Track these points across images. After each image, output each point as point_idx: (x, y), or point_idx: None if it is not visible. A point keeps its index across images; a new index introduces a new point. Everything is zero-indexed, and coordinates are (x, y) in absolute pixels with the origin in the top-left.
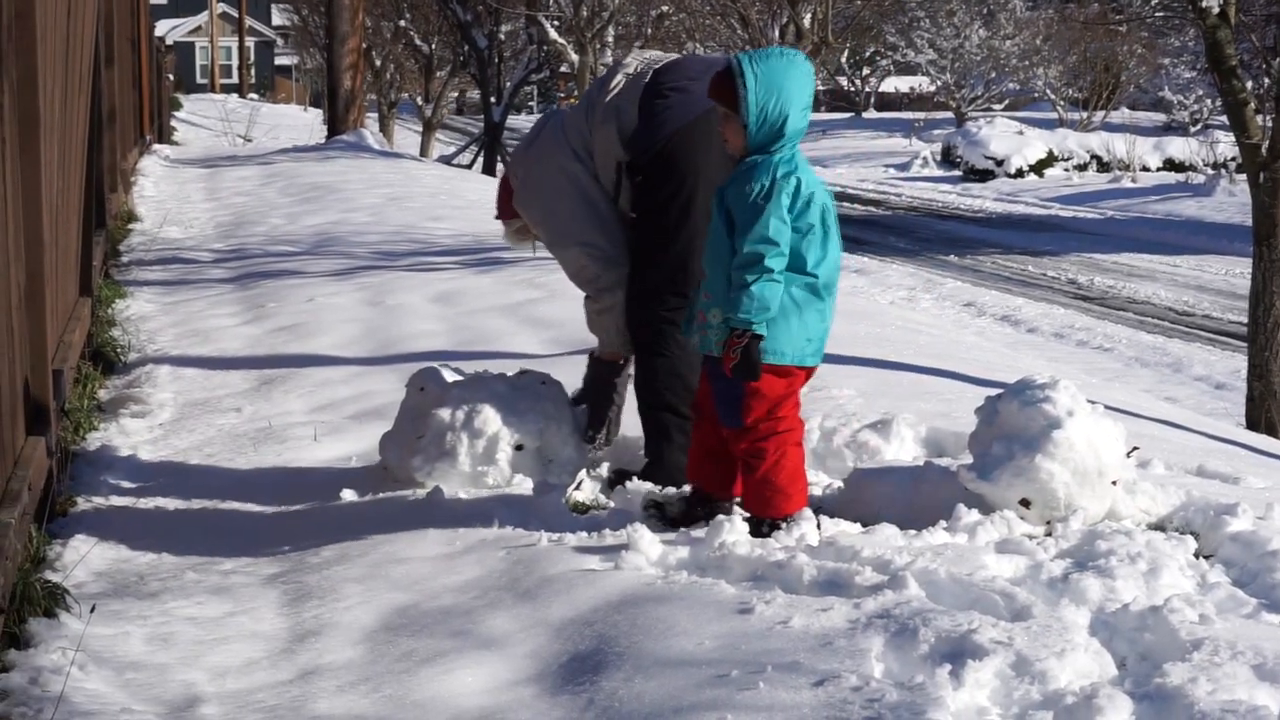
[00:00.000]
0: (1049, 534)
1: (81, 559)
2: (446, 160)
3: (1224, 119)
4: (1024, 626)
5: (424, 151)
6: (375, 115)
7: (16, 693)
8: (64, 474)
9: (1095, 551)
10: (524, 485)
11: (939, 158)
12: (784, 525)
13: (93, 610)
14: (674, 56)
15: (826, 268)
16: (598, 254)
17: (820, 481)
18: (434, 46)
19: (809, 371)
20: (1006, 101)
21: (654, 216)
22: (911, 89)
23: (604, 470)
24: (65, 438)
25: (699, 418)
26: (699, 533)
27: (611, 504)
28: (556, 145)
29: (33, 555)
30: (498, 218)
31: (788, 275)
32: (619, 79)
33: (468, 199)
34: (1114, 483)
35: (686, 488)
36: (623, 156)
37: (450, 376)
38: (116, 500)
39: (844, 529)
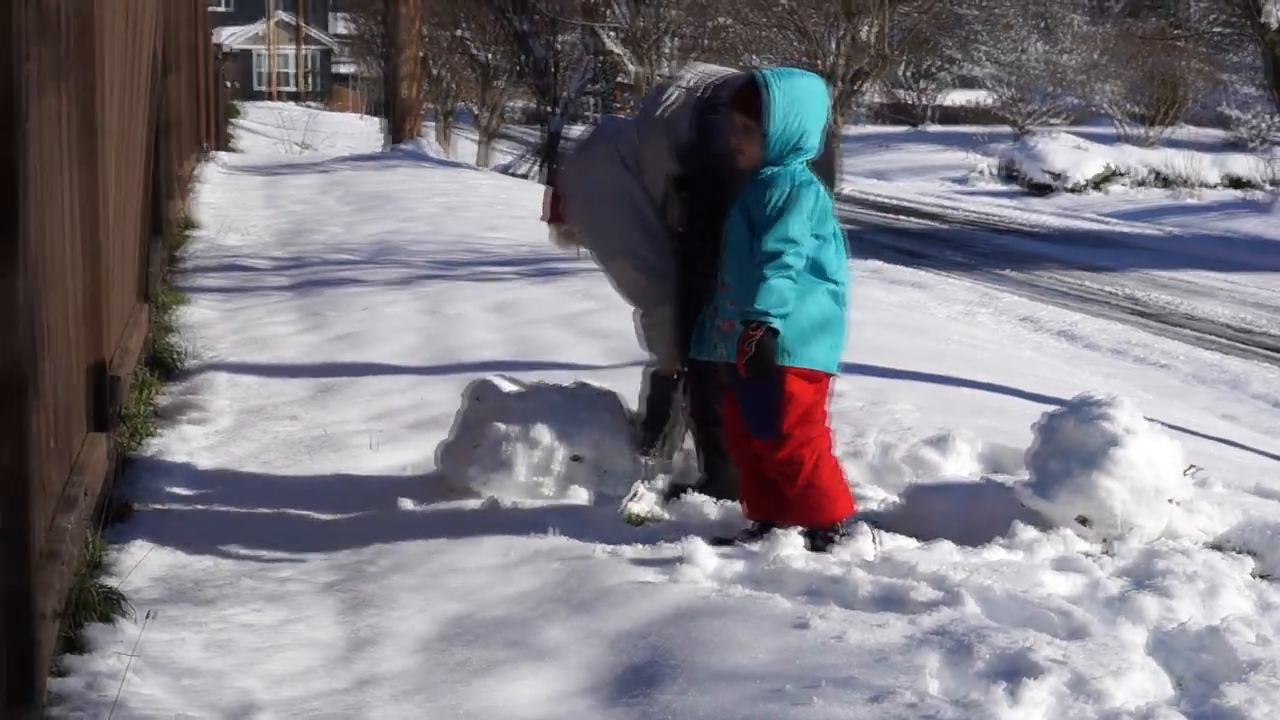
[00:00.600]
0: (1106, 552)
1: (138, 564)
2: (504, 170)
3: None
4: (1081, 645)
5: (482, 161)
6: (433, 124)
7: (73, 697)
8: (122, 479)
9: (1153, 570)
10: (580, 496)
11: (999, 172)
12: (838, 534)
13: (149, 616)
14: (728, 71)
15: (846, 276)
16: (645, 267)
17: (877, 496)
18: (492, 56)
19: (832, 379)
20: (1067, 116)
21: (705, 230)
22: (970, 102)
23: (660, 482)
24: (123, 443)
25: (732, 448)
26: (755, 546)
27: (668, 516)
28: (608, 155)
29: (90, 560)
30: (543, 219)
31: (813, 281)
32: (673, 92)
33: (525, 209)
34: (1172, 501)
35: (749, 523)
36: (674, 170)
37: (507, 387)
38: (174, 506)
39: (901, 544)
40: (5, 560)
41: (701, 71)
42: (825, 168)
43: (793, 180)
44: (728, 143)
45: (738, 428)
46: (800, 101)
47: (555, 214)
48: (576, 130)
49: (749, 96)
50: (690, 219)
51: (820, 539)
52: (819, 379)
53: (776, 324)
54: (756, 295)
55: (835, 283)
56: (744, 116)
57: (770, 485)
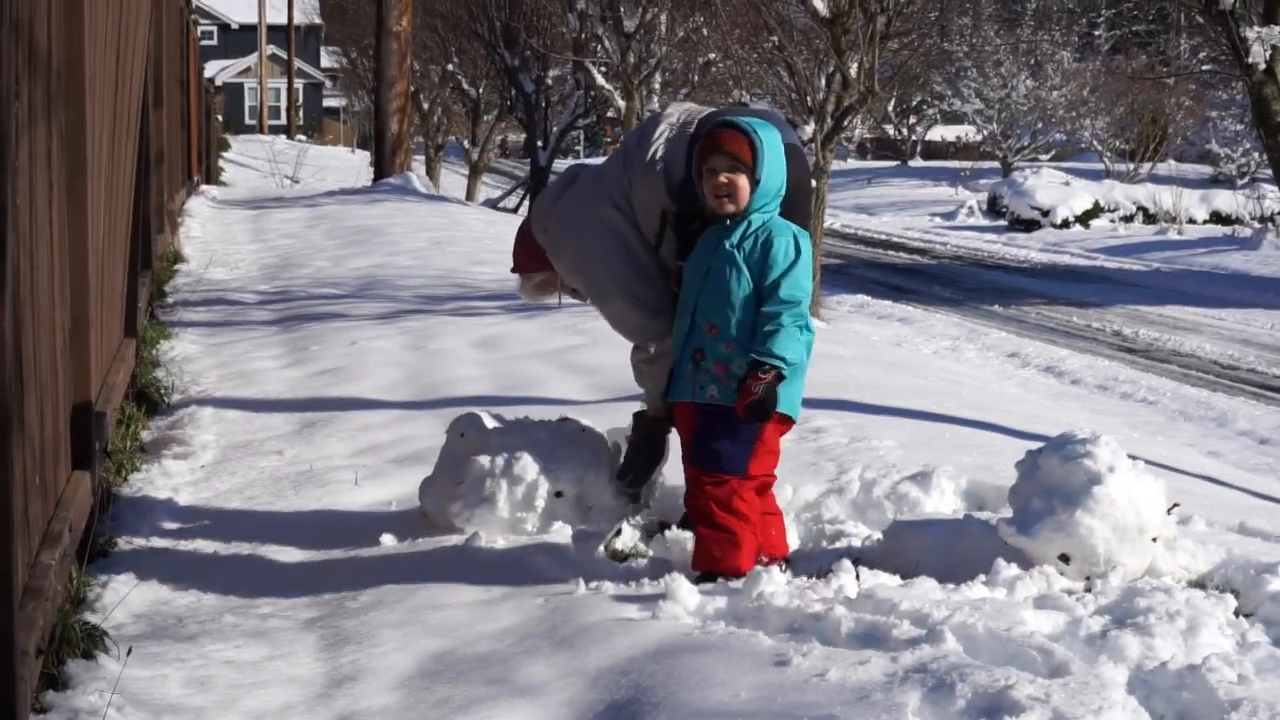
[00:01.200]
0: (1088, 590)
1: (121, 600)
2: (493, 204)
3: (1271, 172)
4: (1061, 683)
5: (470, 195)
6: (422, 158)
7: None
8: (105, 515)
9: (1134, 608)
10: (563, 533)
11: (985, 207)
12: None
13: (129, 652)
14: (711, 109)
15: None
16: (640, 303)
17: (859, 533)
18: (481, 90)
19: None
20: (1053, 152)
21: None
22: (958, 138)
23: (643, 519)
24: (107, 478)
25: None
26: (736, 583)
27: (650, 553)
28: (594, 195)
29: (72, 596)
30: (514, 270)
31: None
32: (662, 129)
33: (511, 243)
34: (1154, 539)
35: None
36: (670, 206)
37: (491, 423)
38: (157, 542)
39: (882, 581)
40: None
41: (686, 109)
42: (800, 216)
43: (792, 231)
44: None
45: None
46: (776, 150)
47: (527, 265)
48: (564, 164)
49: (736, 142)
50: (686, 255)
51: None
52: (787, 424)
53: (786, 370)
54: (775, 341)
55: (812, 333)
56: (730, 159)
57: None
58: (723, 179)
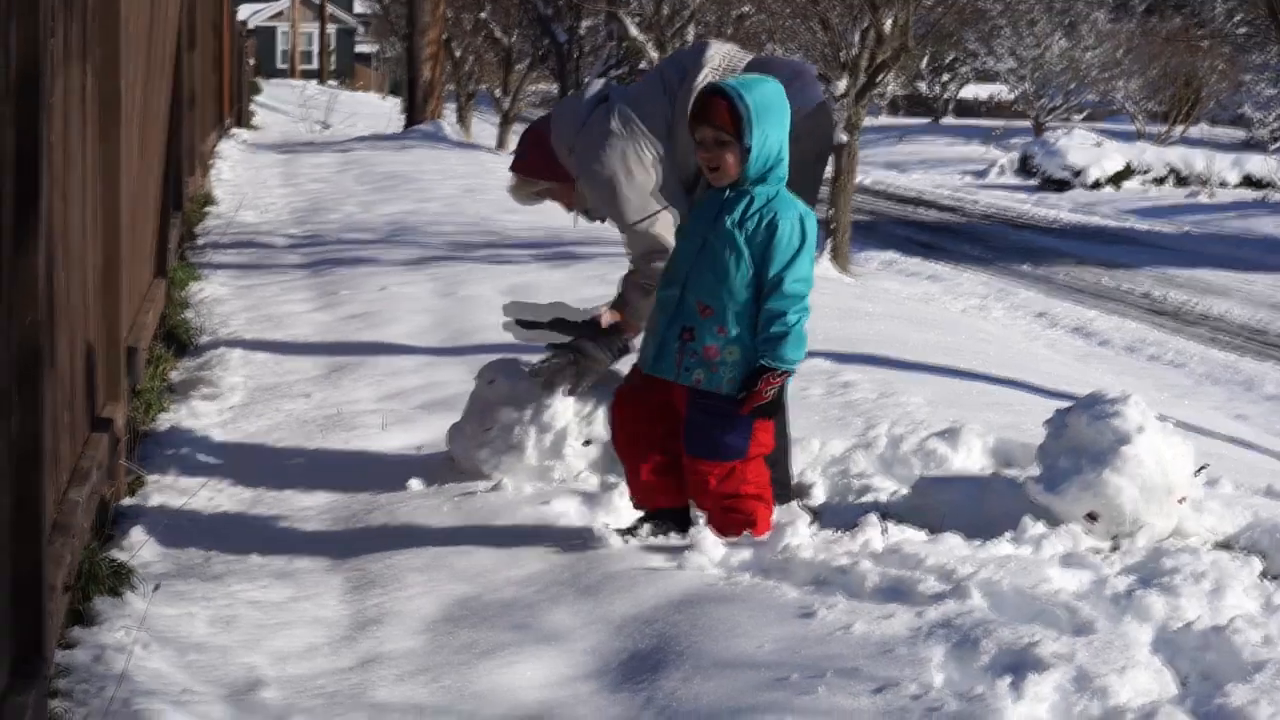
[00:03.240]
0: (1114, 549)
1: (148, 539)
2: None
3: None
4: (1086, 641)
5: (501, 143)
6: (453, 106)
7: (80, 670)
8: (134, 454)
9: (1160, 569)
10: (590, 481)
11: (1016, 166)
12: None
13: (156, 589)
14: (751, 55)
15: None
16: (669, 227)
17: (886, 488)
18: (514, 39)
19: None
20: (1086, 112)
21: None
22: (991, 96)
23: None
24: (136, 418)
25: (635, 445)
26: (764, 535)
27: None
28: (630, 120)
29: (100, 534)
30: (516, 170)
31: None
32: (705, 74)
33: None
34: (1181, 500)
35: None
36: None
37: (520, 370)
38: (184, 481)
39: (909, 536)
40: (16, 532)
41: (726, 52)
42: (810, 183)
43: (797, 210)
44: None
45: (648, 430)
46: (771, 110)
47: (536, 169)
48: None
49: (718, 109)
50: None
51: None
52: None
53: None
54: (785, 345)
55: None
56: (715, 131)
57: (668, 470)
58: (710, 151)
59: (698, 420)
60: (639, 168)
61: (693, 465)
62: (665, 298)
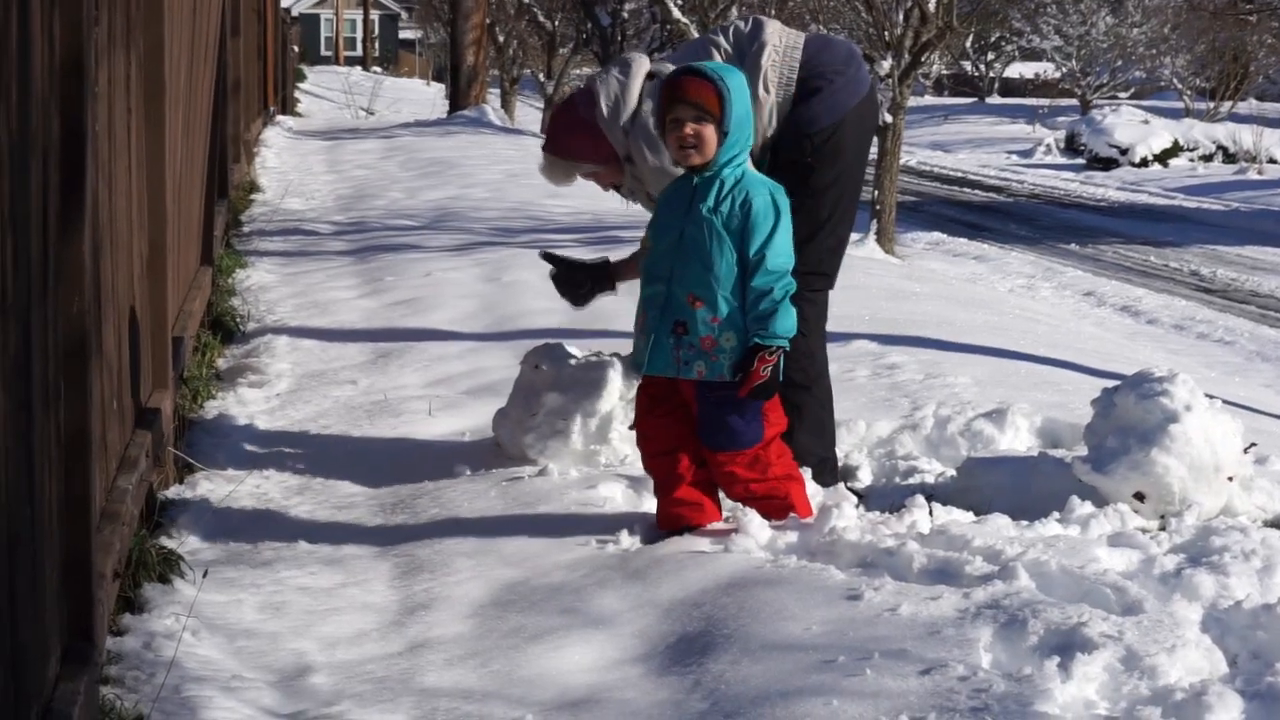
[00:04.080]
0: (1163, 528)
1: (196, 526)
2: None
3: None
4: (1135, 621)
5: (545, 128)
6: (497, 91)
7: (130, 656)
8: (182, 441)
9: (1209, 547)
10: (636, 465)
11: (1062, 145)
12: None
13: (205, 576)
14: (798, 33)
15: None
16: None
17: (933, 469)
18: (557, 23)
19: None
20: (1132, 90)
21: (810, 199)
22: (1036, 75)
23: None
24: (183, 405)
25: (663, 452)
26: (809, 518)
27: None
28: None
29: (148, 521)
30: (551, 152)
31: None
32: (769, 50)
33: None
34: (1230, 478)
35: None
36: (769, 131)
37: (565, 355)
38: (232, 468)
39: (955, 518)
40: (66, 520)
41: (781, 29)
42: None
43: (766, 186)
44: (843, 111)
45: (667, 435)
46: (743, 98)
47: (579, 151)
48: None
49: (703, 89)
50: (795, 186)
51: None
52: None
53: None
54: (774, 321)
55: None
56: (697, 110)
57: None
58: (688, 130)
59: (708, 413)
60: None
61: (715, 459)
62: (652, 294)
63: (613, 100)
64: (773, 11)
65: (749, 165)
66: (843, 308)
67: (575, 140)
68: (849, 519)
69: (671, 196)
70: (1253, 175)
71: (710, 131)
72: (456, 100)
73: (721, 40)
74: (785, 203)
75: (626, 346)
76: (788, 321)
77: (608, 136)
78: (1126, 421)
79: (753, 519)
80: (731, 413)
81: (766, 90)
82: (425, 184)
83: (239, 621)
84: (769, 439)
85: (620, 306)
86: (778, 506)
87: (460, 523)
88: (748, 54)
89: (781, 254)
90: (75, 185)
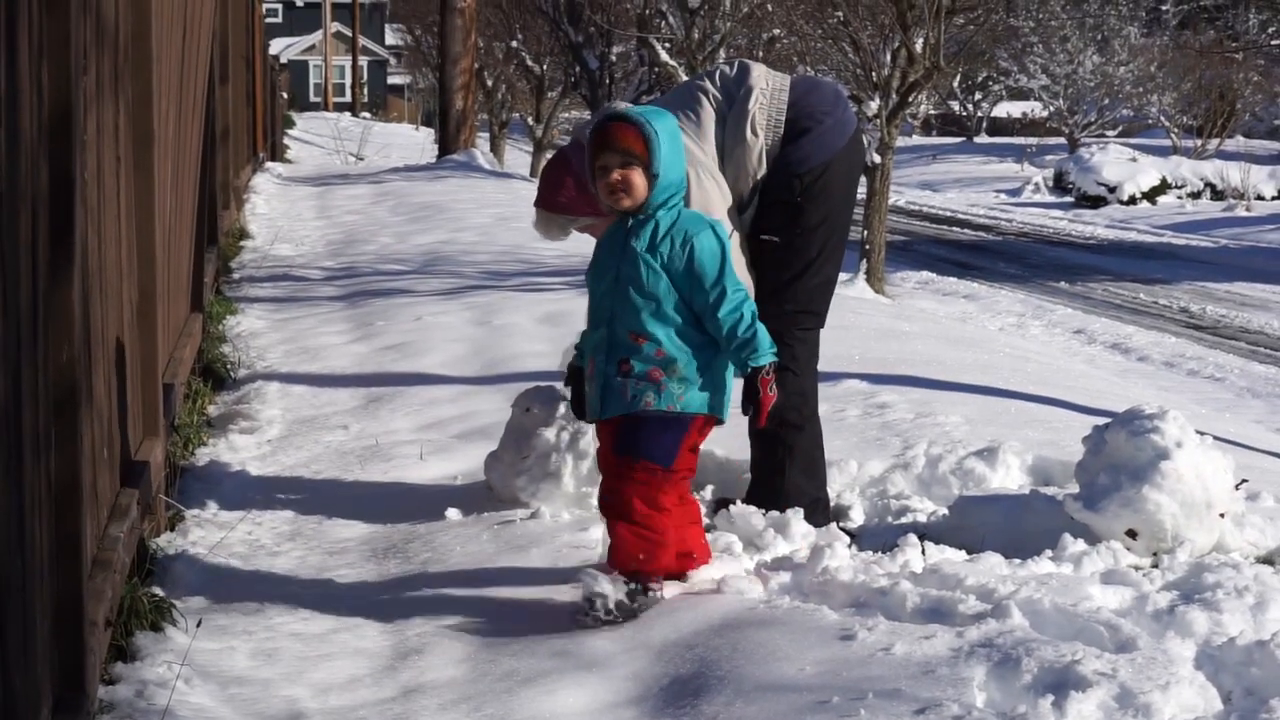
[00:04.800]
0: (1155, 565)
1: (188, 574)
2: None
3: None
4: (1128, 658)
5: (534, 171)
6: (486, 135)
7: (122, 705)
8: (173, 488)
9: (1202, 584)
10: None
11: (1050, 184)
12: (650, 589)
13: (199, 624)
14: (788, 76)
15: None
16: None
17: (925, 508)
18: (545, 67)
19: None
20: (1120, 128)
21: (799, 238)
22: (1024, 114)
23: (706, 494)
24: (174, 452)
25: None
26: (802, 558)
27: (714, 527)
28: (690, 149)
29: (140, 569)
30: (544, 207)
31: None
32: (756, 94)
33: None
34: (1222, 515)
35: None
36: (759, 174)
37: (556, 397)
38: (224, 515)
39: (948, 556)
40: (57, 568)
41: (767, 72)
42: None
43: (705, 221)
44: (832, 153)
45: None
46: (674, 140)
47: (572, 206)
48: None
49: (627, 134)
50: (784, 226)
51: (635, 589)
52: (712, 425)
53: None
54: (758, 341)
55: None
56: (623, 156)
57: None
58: (616, 176)
59: (629, 424)
60: (715, 190)
61: (617, 468)
62: (596, 340)
63: None
64: (760, 53)
65: (683, 205)
66: (833, 347)
67: (569, 196)
68: (841, 559)
69: (607, 240)
70: (1241, 212)
71: (637, 175)
72: (445, 145)
73: (709, 85)
74: (725, 232)
75: None
76: (767, 336)
77: None
78: (1118, 459)
79: (745, 559)
80: (653, 426)
81: (755, 134)
82: (415, 228)
83: (231, 668)
84: (678, 471)
85: None
86: (649, 544)
87: (452, 566)
88: (736, 98)
89: (735, 281)
90: (64, 233)
